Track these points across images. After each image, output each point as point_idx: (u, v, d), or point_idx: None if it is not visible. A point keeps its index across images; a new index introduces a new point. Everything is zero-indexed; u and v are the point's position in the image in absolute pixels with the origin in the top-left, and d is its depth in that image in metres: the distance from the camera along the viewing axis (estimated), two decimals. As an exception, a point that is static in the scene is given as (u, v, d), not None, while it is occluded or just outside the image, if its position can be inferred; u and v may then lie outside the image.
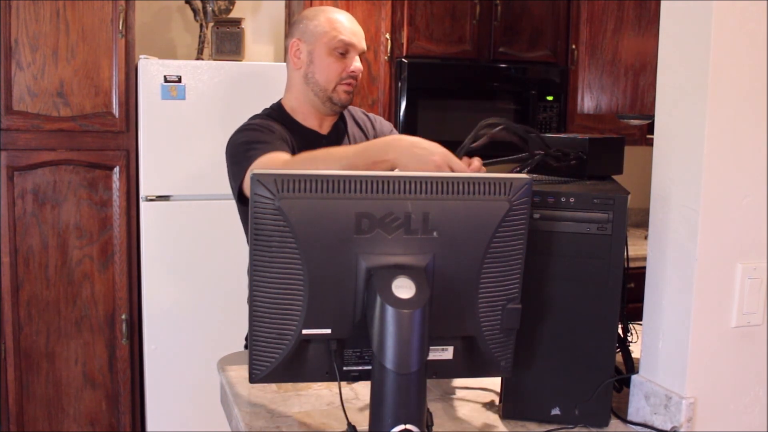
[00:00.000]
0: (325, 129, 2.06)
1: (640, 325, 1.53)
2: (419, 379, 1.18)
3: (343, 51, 1.97)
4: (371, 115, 2.21)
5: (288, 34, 2.07)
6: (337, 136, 2.08)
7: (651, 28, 1.68)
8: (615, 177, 1.60)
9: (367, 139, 2.13)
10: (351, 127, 2.13)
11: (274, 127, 1.94)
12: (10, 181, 2.83)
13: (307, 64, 1.99)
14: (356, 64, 1.99)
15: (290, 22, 2.08)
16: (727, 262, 1.37)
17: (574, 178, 1.54)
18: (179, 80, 2.90)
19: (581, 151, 1.54)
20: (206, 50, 3.25)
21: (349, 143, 2.09)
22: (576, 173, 1.54)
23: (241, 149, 1.84)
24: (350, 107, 2.13)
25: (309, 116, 2.04)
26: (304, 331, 1.23)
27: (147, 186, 2.93)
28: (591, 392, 1.42)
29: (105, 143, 2.92)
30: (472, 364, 1.33)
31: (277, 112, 2.04)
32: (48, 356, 2.93)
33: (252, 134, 1.88)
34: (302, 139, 1.99)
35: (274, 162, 1.72)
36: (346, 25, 1.98)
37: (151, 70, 2.88)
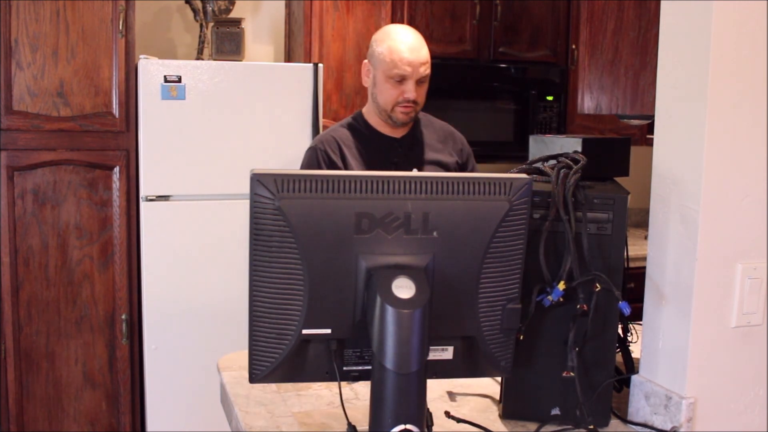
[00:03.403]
0: (399, 134, 2.28)
1: (640, 325, 1.53)
2: (419, 379, 1.18)
3: (399, 80, 2.16)
4: (456, 133, 2.40)
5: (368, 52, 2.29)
6: (412, 141, 2.29)
7: (651, 28, 1.68)
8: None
9: (446, 149, 2.32)
10: (428, 135, 2.32)
11: (332, 153, 2.21)
12: (10, 181, 2.82)
13: (372, 85, 2.24)
14: (411, 91, 2.17)
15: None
16: (727, 262, 1.37)
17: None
18: (179, 80, 2.90)
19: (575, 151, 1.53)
20: (206, 50, 3.25)
21: (423, 149, 2.29)
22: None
23: None
24: (432, 119, 2.37)
25: (381, 125, 2.27)
26: (304, 331, 1.23)
27: (147, 186, 2.93)
28: (591, 392, 1.42)
29: (105, 143, 2.92)
30: (472, 364, 1.33)
31: (356, 119, 2.32)
32: (48, 356, 2.93)
33: (306, 167, 2.24)
34: (378, 143, 2.26)
35: None
36: (405, 56, 2.15)
37: (151, 70, 2.88)
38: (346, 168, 2.21)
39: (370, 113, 2.29)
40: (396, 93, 2.17)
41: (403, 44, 2.16)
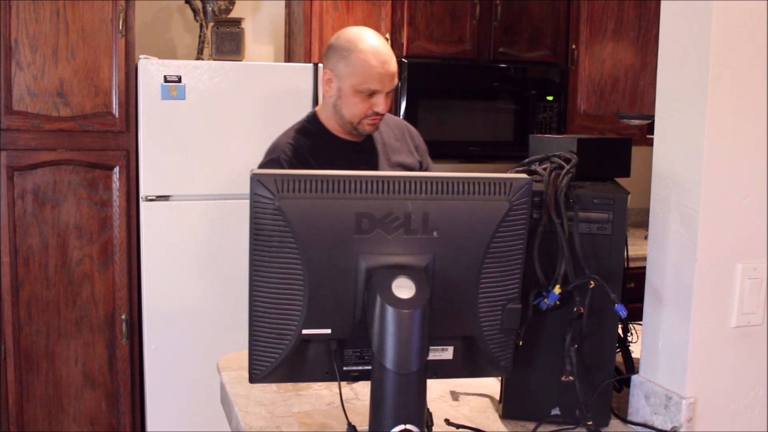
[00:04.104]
0: (358, 138, 2.15)
1: (640, 325, 1.53)
2: (419, 379, 1.18)
3: (369, 94, 2.03)
4: (411, 128, 2.30)
5: (324, 57, 2.11)
6: (371, 143, 2.17)
7: (651, 28, 1.68)
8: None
9: (405, 147, 2.23)
10: (385, 133, 2.21)
11: (296, 163, 2.04)
12: (10, 181, 2.82)
13: (336, 97, 2.07)
14: (381, 105, 2.04)
15: (329, 44, 2.12)
16: (727, 262, 1.37)
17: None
18: (179, 80, 2.90)
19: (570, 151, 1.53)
20: (206, 50, 3.25)
21: (383, 150, 2.19)
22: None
23: None
24: (386, 115, 2.18)
25: (339, 129, 2.14)
26: (304, 331, 1.23)
27: (147, 186, 2.93)
28: (591, 392, 1.42)
29: (105, 143, 2.92)
30: (472, 364, 1.33)
31: (311, 124, 2.16)
32: (48, 356, 2.93)
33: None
34: (338, 148, 2.13)
35: None
36: (375, 70, 2.00)
37: (151, 70, 2.88)
38: None
39: (328, 118, 2.14)
40: (365, 107, 2.03)
41: (374, 56, 2.00)
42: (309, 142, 2.11)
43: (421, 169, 2.25)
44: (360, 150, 2.15)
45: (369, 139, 2.16)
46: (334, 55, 2.06)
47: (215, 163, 2.98)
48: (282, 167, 2.05)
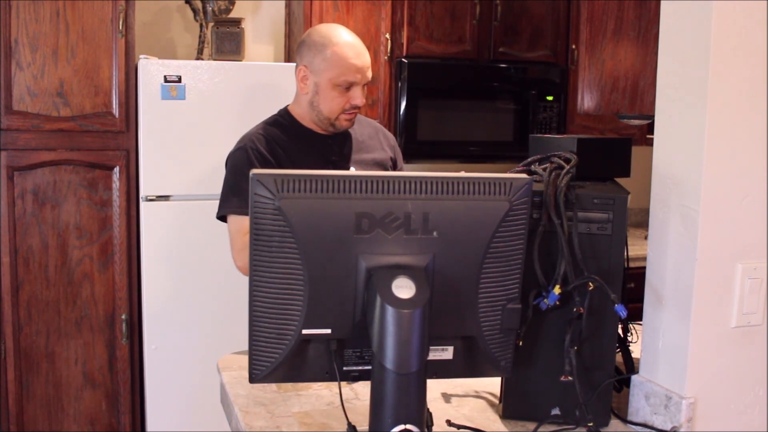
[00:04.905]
0: (330, 132, 2.15)
1: (640, 325, 1.53)
2: (419, 379, 1.18)
3: (347, 87, 2.05)
4: (384, 128, 2.33)
5: (297, 55, 2.14)
6: (344, 138, 2.17)
7: (651, 28, 1.68)
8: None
9: (378, 145, 2.24)
10: (357, 130, 2.21)
11: (265, 152, 2.06)
12: (10, 181, 2.82)
13: (313, 93, 2.09)
14: (359, 97, 2.07)
15: (301, 41, 2.15)
16: (727, 262, 1.37)
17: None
18: (179, 80, 2.90)
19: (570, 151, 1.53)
20: (206, 50, 3.25)
21: (356, 146, 2.19)
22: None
23: (226, 185, 2.11)
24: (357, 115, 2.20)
25: (312, 124, 2.15)
26: (304, 331, 1.23)
27: (147, 186, 2.93)
28: (591, 392, 1.42)
29: (105, 143, 2.92)
30: (472, 364, 1.33)
31: (283, 118, 2.17)
32: (48, 356, 2.93)
33: (238, 168, 2.05)
34: (311, 142, 2.13)
35: (240, 231, 2.03)
36: (352, 62, 2.04)
37: (151, 70, 2.88)
38: (280, 167, 2.05)
39: (301, 115, 2.15)
40: (343, 101, 2.06)
41: (349, 49, 2.04)
42: (280, 133, 2.12)
43: (395, 167, 2.27)
44: (332, 142, 2.15)
45: (341, 134, 2.17)
46: (309, 51, 2.08)
47: (215, 163, 2.97)
48: (249, 156, 2.06)
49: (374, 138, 2.25)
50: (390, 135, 2.32)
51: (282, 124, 2.15)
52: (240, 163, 2.07)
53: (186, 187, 2.96)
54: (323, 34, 2.09)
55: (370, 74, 2.09)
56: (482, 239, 1.25)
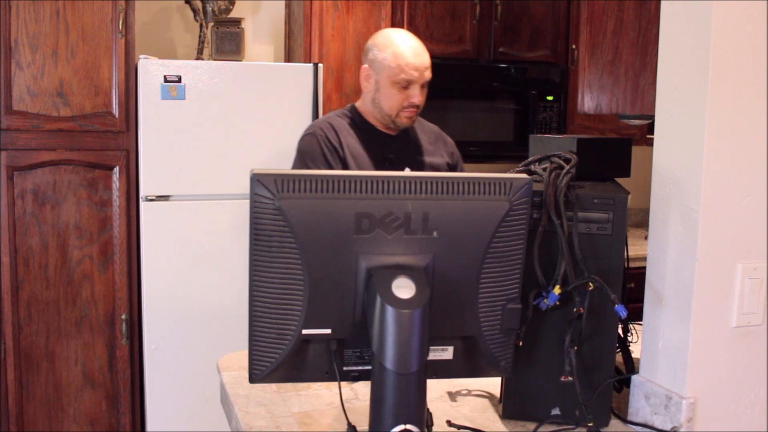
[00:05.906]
0: (393, 132, 2.30)
1: (640, 325, 1.53)
2: (419, 379, 1.18)
3: (405, 85, 2.19)
4: (446, 136, 2.45)
5: (363, 55, 2.31)
6: (406, 140, 2.32)
7: (651, 28, 1.68)
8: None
9: (438, 151, 2.36)
10: (420, 134, 2.36)
11: (333, 140, 2.21)
12: (10, 181, 2.82)
13: (375, 90, 2.25)
14: (417, 96, 2.21)
15: (367, 44, 2.31)
16: (727, 262, 1.37)
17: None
18: (179, 80, 2.90)
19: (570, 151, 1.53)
20: (206, 50, 3.25)
21: (415, 149, 2.32)
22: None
23: (296, 163, 2.26)
24: (422, 120, 2.39)
25: (377, 122, 2.30)
26: (304, 331, 1.23)
27: (147, 186, 2.93)
28: (591, 392, 1.42)
29: (105, 143, 2.92)
30: (472, 364, 1.33)
31: (350, 112, 2.33)
32: (48, 356, 2.93)
33: (306, 153, 2.22)
34: (373, 138, 2.28)
35: None
36: (410, 61, 2.19)
37: (151, 70, 2.88)
38: (344, 155, 2.21)
39: (366, 111, 2.30)
40: (401, 98, 2.20)
41: (409, 49, 2.20)
42: (346, 124, 2.28)
43: (450, 170, 2.39)
44: (392, 141, 2.29)
45: (403, 135, 2.31)
46: (372, 51, 2.25)
47: (215, 163, 2.98)
48: (318, 141, 2.21)
49: (434, 143, 2.37)
50: (450, 140, 2.44)
51: (348, 117, 2.31)
52: (308, 147, 2.23)
53: (186, 187, 2.96)
54: (386, 35, 2.27)
55: (429, 74, 2.22)
56: (482, 239, 1.25)
